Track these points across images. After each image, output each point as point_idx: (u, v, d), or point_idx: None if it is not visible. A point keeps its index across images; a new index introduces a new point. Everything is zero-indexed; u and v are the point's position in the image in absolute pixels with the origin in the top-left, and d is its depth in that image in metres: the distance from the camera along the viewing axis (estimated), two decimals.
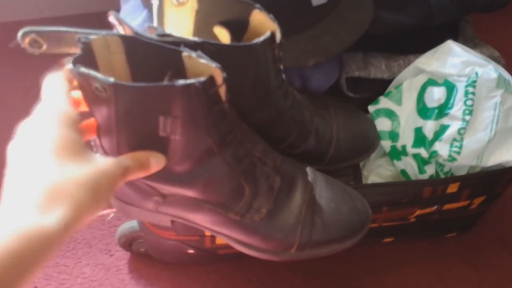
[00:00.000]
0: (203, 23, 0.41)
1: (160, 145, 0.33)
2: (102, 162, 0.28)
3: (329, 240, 0.42)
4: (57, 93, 0.30)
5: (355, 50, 0.56)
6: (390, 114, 0.55)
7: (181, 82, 0.30)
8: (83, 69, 0.29)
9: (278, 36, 0.39)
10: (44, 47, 0.31)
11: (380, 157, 0.58)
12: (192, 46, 0.35)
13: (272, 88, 0.42)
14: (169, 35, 0.35)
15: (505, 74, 0.52)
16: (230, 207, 0.39)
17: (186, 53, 0.32)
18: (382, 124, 0.55)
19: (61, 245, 0.25)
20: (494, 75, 0.50)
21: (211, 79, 0.31)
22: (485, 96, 0.50)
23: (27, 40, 0.31)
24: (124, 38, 0.32)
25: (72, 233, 0.26)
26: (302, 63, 0.48)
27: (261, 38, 0.38)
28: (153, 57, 0.33)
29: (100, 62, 0.32)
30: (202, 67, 0.31)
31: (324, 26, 0.49)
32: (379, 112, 0.55)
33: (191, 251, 0.56)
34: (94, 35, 0.31)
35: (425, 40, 0.56)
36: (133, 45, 0.32)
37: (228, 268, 0.62)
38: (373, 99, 0.56)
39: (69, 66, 0.29)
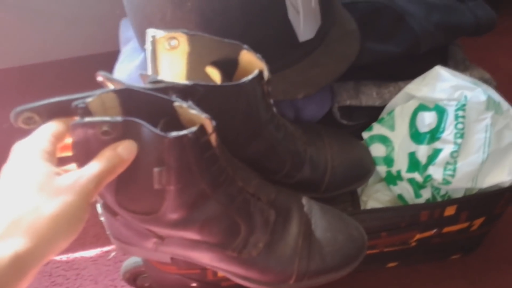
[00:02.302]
0: (195, 64, 0.43)
1: (156, 197, 0.35)
2: (72, 184, 0.28)
3: (327, 269, 0.42)
4: (38, 133, 0.30)
5: (346, 79, 0.57)
6: (384, 139, 0.56)
7: (173, 134, 0.31)
8: (88, 119, 0.30)
9: (266, 74, 0.41)
10: (40, 122, 0.32)
11: (378, 182, 0.59)
12: (183, 89, 0.37)
13: (263, 122, 0.44)
14: (160, 81, 0.37)
15: (495, 96, 0.53)
16: (226, 245, 0.39)
17: (177, 103, 0.33)
18: (377, 150, 0.56)
19: (20, 275, 0.25)
20: (483, 98, 0.51)
21: (201, 129, 0.33)
22: (475, 119, 0.51)
23: (20, 119, 0.31)
24: (119, 92, 0.33)
25: (36, 263, 0.26)
26: (292, 96, 0.50)
27: (249, 77, 0.39)
28: (147, 106, 0.34)
29: None
30: (193, 116, 0.33)
31: (312, 59, 0.51)
32: (373, 138, 0.56)
33: (194, 284, 0.56)
34: (90, 98, 0.31)
35: (414, 66, 0.57)
36: (128, 97, 0.34)
37: None
38: (367, 126, 0.57)
39: (73, 122, 0.30)
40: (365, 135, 0.57)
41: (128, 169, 0.32)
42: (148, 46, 0.42)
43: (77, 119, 0.31)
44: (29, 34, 0.88)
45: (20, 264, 0.25)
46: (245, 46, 0.41)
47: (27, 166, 0.28)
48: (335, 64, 0.52)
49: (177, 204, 0.35)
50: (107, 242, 0.69)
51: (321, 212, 0.45)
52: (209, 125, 0.33)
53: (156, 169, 0.32)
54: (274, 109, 0.45)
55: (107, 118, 0.30)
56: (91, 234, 0.70)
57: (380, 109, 0.58)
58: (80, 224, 0.28)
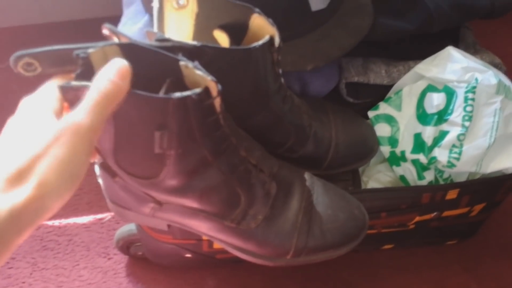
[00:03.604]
0: (203, 26, 0.41)
1: (156, 162, 0.33)
2: (75, 121, 0.26)
3: (325, 246, 0.42)
4: (46, 91, 0.29)
5: (355, 55, 0.56)
6: (389, 119, 0.55)
7: (177, 94, 0.30)
8: (75, 83, 0.28)
9: (277, 40, 0.39)
10: (39, 69, 0.30)
11: (380, 163, 0.58)
12: (191, 50, 0.35)
13: (271, 92, 0.42)
14: (168, 40, 0.35)
15: (506, 80, 0.52)
16: (226, 215, 0.39)
17: (183, 62, 0.32)
18: (382, 130, 0.55)
19: (31, 222, 0.25)
20: (494, 81, 0.50)
21: (206, 91, 0.31)
22: (485, 102, 0.50)
23: (20, 64, 0.30)
24: (122, 46, 0.31)
25: (45, 211, 0.25)
26: (301, 68, 0.48)
27: (260, 42, 0.38)
28: (152, 64, 0.32)
29: None
30: (198, 77, 0.32)
31: (323, 31, 0.49)
32: (378, 118, 0.55)
33: (188, 255, 0.56)
34: (92, 48, 0.30)
35: (425, 46, 0.56)
36: (131, 52, 0.32)
37: (225, 273, 0.62)
38: (373, 105, 0.56)
39: (60, 84, 0.28)
40: (371, 114, 0.56)
41: (128, 132, 0.31)
42: (156, 3, 0.40)
43: (77, 70, 0.29)
44: None
45: (35, 209, 0.25)
46: (256, 9, 0.39)
47: (39, 123, 0.27)
48: (346, 37, 0.50)
49: (178, 170, 0.34)
50: (100, 209, 0.68)
51: (323, 189, 0.44)
52: (214, 88, 0.32)
53: (157, 133, 0.31)
54: (282, 80, 0.44)
55: None
56: (85, 201, 0.69)
57: (387, 88, 0.57)
58: (85, 167, 0.27)
